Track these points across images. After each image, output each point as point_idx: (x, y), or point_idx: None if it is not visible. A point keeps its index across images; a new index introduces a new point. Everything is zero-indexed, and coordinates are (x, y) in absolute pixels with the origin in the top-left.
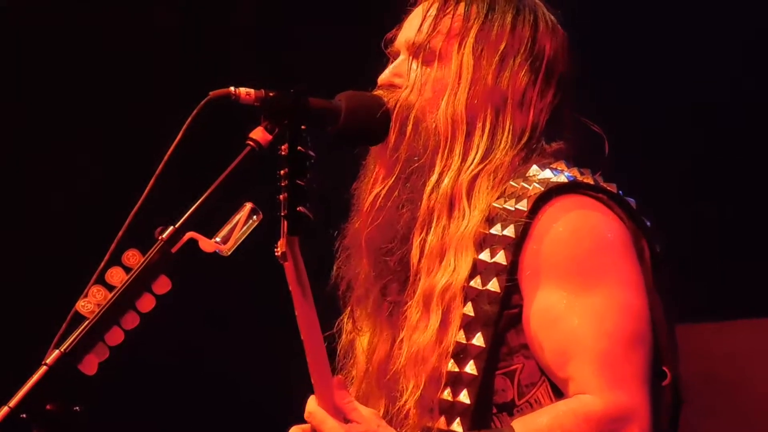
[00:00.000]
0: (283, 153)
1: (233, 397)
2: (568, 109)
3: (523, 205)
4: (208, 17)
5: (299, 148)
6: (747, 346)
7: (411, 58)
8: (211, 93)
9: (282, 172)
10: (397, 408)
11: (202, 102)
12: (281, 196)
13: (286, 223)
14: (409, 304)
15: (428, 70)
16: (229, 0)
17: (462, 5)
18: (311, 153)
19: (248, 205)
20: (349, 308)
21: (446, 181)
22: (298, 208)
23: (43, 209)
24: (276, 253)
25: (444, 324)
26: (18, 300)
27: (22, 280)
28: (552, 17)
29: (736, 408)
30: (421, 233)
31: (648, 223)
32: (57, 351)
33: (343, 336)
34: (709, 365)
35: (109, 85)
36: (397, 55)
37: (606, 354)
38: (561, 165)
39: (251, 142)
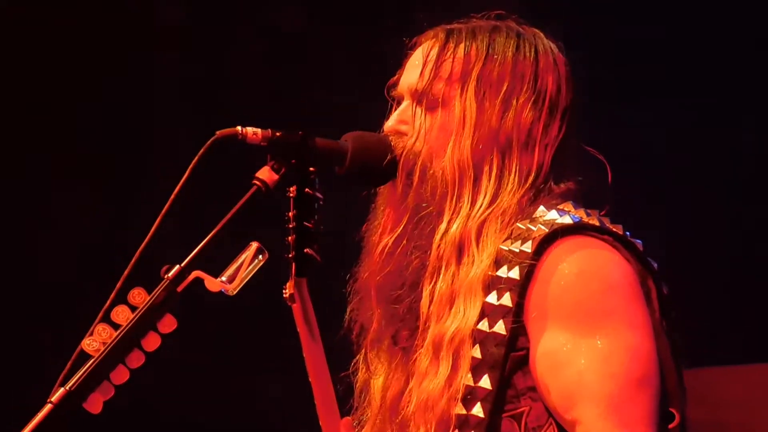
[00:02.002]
0: (291, 195)
1: None
2: (574, 140)
3: (528, 247)
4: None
5: (307, 190)
6: (754, 391)
7: (415, 104)
8: (217, 132)
9: (290, 213)
10: None
11: (209, 141)
12: (289, 238)
13: (293, 264)
14: (419, 351)
15: (432, 117)
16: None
17: (462, 47)
18: (319, 195)
19: (254, 245)
20: (363, 350)
21: (455, 227)
22: (305, 250)
23: (50, 248)
24: (284, 295)
25: (453, 369)
26: (24, 337)
27: (28, 318)
28: (553, 46)
29: None
30: (431, 281)
31: (655, 265)
32: (62, 389)
33: (359, 376)
34: (715, 410)
35: (117, 121)
36: (401, 99)
37: (613, 396)
38: (568, 206)
39: (257, 182)
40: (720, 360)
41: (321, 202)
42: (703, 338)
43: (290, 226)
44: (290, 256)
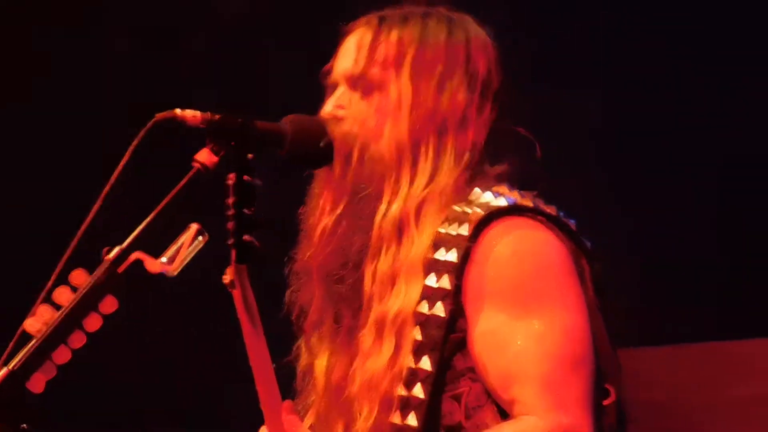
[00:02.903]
0: (229, 182)
1: (184, 425)
2: (506, 122)
3: (465, 230)
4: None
5: (245, 177)
6: (683, 372)
7: (350, 89)
8: (156, 115)
9: (229, 201)
10: None
11: (148, 124)
12: (229, 225)
13: (233, 251)
14: (362, 331)
15: (369, 101)
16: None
17: (395, 32)
18: (258, 182)
19: (194, 226)
20: (304, 333)
21: (395, 207)
22: (245, 237)
23: None
24: (224, 281)
25: (396, 348)
26: None
27: None
28: (482, 32)
29: None
30: (373, 261)
31: (588, 244)
32: (5, 369)
33: (301, 361)
34: (646, 391)
35: (57, 105)
36: (335, 86)
37: (548, 376)
38: (503, 188)
39: (197, 164)
40: (649, 340)
41: (259, 188)
42: (634, 318)
43: (230, 213)
44: (230, 243)
